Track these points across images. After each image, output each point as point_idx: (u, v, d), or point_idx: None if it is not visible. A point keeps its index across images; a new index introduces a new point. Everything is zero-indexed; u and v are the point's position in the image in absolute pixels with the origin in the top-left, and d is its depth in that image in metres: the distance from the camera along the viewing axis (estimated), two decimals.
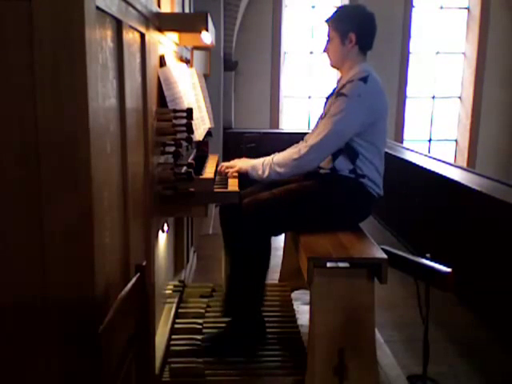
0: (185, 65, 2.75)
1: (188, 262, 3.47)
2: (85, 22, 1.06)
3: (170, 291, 2.85)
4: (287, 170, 2.29)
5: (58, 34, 1.06)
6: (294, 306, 2.89)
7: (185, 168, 2.01)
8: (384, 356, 2.62)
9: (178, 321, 2.63)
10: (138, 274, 1.36)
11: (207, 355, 2.29)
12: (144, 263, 1.42)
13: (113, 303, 1.19)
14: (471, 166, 8.41)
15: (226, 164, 2.54)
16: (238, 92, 8.31)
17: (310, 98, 8.85)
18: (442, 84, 8.96)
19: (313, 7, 8.58)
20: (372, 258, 2.04)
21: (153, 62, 1.83)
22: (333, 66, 2.47)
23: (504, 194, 3.23)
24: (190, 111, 1.92)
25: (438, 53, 8.87)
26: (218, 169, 2.54)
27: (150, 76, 1.72)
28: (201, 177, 2.22)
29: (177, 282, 3.01)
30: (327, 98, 2.45)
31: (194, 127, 1.95)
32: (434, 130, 9.14)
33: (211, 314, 2.73)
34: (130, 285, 1.28)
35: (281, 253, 3.18)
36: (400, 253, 2.39)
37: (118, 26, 1.35)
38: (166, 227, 2.36)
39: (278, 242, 3.20)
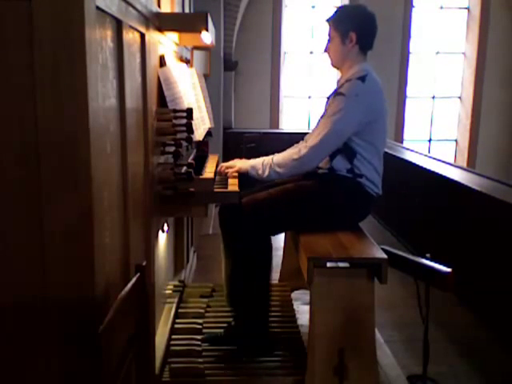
0: (185, 65, 2.75)
1: (188, 262, 3.47)
2: (85, 22, 1.06)
3: (169, 291, 2.86)
4: (287, 170, 2.30)
5: (58, 34, 1.06)
6: (294, 306, 2.89)
7: (185, 168, 2.01)
8: (384, 356, 2.62)
9: (177, 321, 2.63)
10: (138, 274, 1.36)
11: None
12: (144, 263, 1.42)
13: (113, 303, 1.19)
14: (471, 165, 8.40)
15: (225, 164, 2.54)
16: (238, 92, 8.31)
17: (310, 98, 8.84)
18: (441, 84, 8.95)
19: (313, 7, 8.58)
20: (372, 258, 2.04)
21: (153, 61, 1.83)
22: (333, 65, 2.48)
23: (504, 194, 3.23)
24: (189, 111, 1.92)
25: (437, 53, 8.87)
26: (218, 169, 2.54)
27: (149, 76, 1.72)
28: (201, 177, 2.22)
29: (177, 282, 3.02)
30: (328, 98, 2.45)
31: (194, 127, 1.95)
32: (434, 130, 9.13)
33: (211, 314, 2.74)
34: (129, 285, 1.28)
35: (281, 253, 3.18)
36: (400, 253, 2.39)
37: (118, 26, 1.35)
38: (166, 227, 2.36)
39: (278, 241, 3.19)
